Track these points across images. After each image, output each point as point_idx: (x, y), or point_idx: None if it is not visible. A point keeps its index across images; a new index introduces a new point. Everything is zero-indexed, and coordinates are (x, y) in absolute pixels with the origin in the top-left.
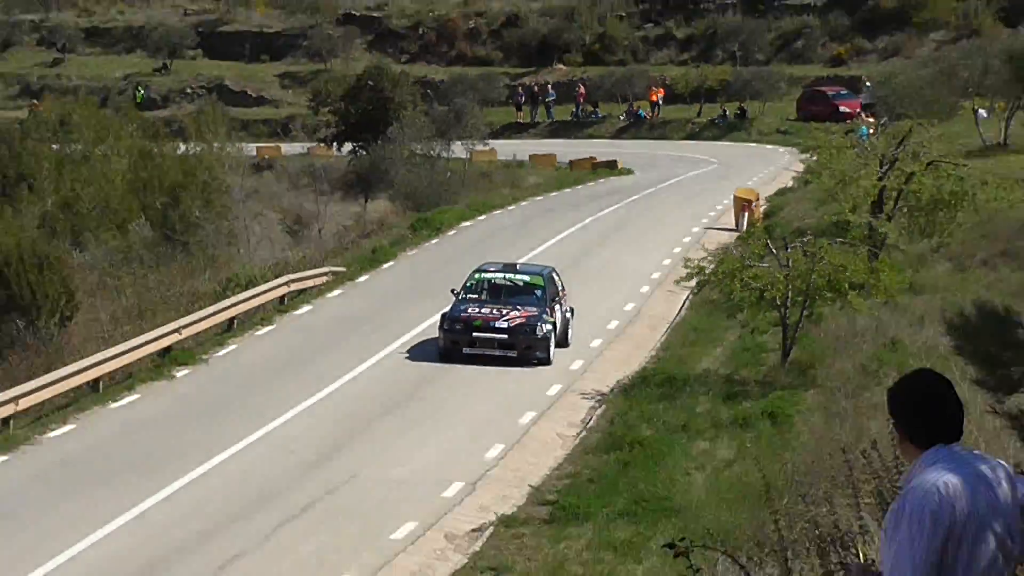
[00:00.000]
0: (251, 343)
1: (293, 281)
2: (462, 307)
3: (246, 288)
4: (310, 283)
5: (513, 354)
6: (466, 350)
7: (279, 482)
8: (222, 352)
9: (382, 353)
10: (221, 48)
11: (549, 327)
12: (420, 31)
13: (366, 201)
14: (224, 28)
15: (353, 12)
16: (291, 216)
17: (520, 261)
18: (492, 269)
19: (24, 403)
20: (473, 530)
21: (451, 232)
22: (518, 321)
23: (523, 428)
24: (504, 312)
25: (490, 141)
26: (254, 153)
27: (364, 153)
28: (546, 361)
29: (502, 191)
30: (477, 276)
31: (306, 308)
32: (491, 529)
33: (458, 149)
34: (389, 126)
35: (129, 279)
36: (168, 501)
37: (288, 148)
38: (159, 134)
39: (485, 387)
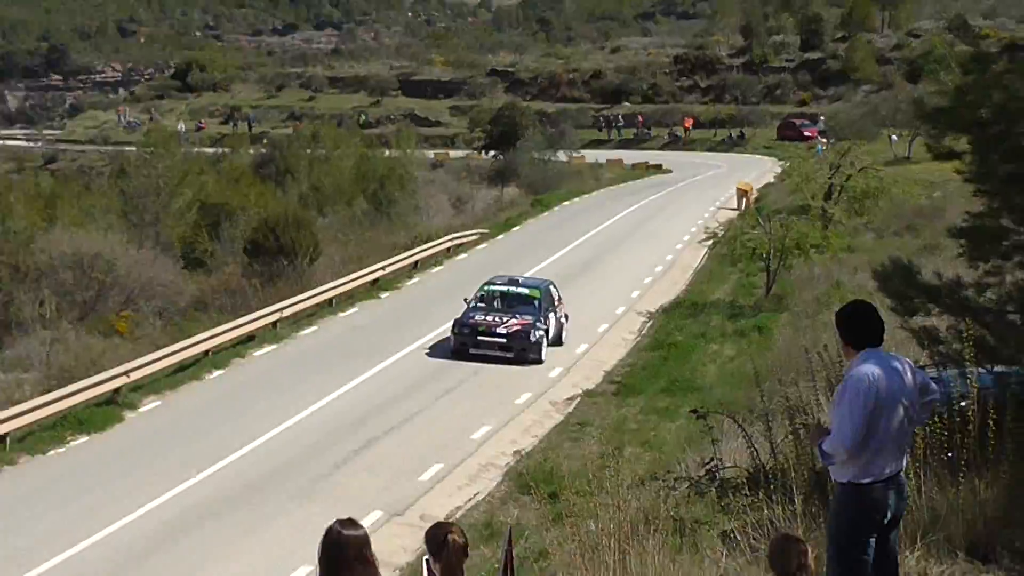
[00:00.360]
0: (429, 277)
1: (455, 238)
2: (471, 314)
3: (426, 242)
4: (466, 240)
5: (511, 355)
6: (472, 351)
7: (444, 365)
8: (410, 283)
9: None
10: (413, 90)
11: (541, 333)
12: (538, 80)
13: (502, 188)
14: (415, 77)
15: (496, 68)
16: (454, 197)
17: (523, 275)
18: (498, 282)
19: (287, 312)
20: (567, 398)
21: (556, 208)
22: (515, 328)
23: (600, 334)
24: (505, 320)
25: (581, 150)
26: (432, 157)
27: (502, 157)
28: (538, 361)
29: (589, 182)
30: (486, 288)
31: (463, 255)
32: (579, 398)
33: (561, 155)
34: (518, 140)
35: (352, 235)
36: (373, 377)
37: (454, 154)
38: (372, 144)
39: (571, 304)
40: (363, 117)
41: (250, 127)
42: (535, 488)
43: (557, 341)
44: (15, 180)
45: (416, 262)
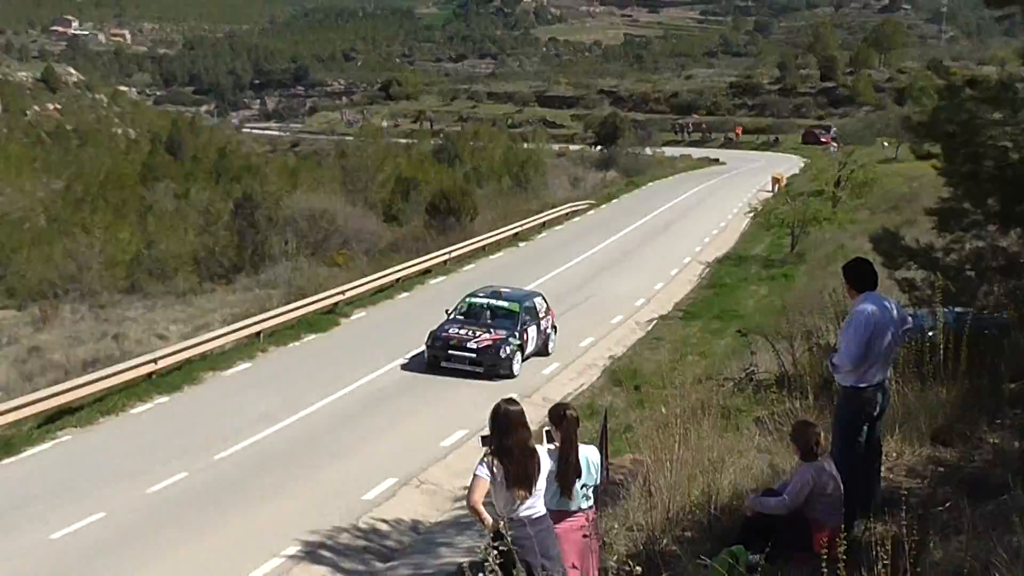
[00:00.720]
0: (552, 234)
1: (572, 206)
2: (446, 327)
3: (551, 208)
4: (580, 208)
5: (481, 370)
6: (443, 364)
7: (565, 294)
8: (540, 236)
9: (614, 237)
10: (545, 102)
11: (513, 348)
12: (632, 97)
13: (606, 172)
14: (547, 94)
15: (603, 88)
16: (572, 177)
17: (507, 288)
18: (481, 295)
19: (453, 254)
20: (648, 320)
21: (644, 187)
22: (486, 343)
23: (672, 276)
24: (477, 334)
25: (662, 147)
26: (557, 149)
27: (606, 150)
28: (509, 376)
29: (666, 170)
30: (468, 300)
31: (577, 218)
32: (656, 321)
33: (648, 150)
34: (618, 139)
35: (500, 202)
36: None
37: (572, 147)
38: (516, 140)
39: (651, 254)
40: (510, 121)
41: (431, 125)
42: (624, 382)
43: (543, 351)
44: (270, 158)
45: (544, 222)
